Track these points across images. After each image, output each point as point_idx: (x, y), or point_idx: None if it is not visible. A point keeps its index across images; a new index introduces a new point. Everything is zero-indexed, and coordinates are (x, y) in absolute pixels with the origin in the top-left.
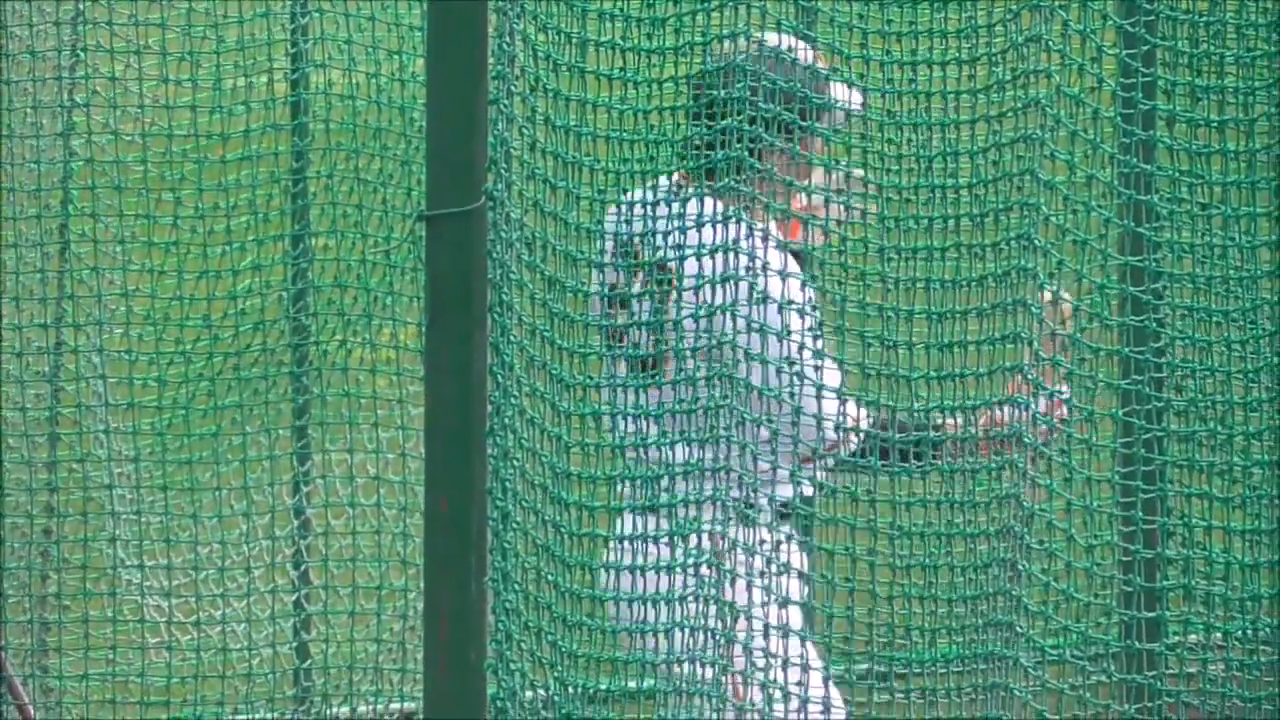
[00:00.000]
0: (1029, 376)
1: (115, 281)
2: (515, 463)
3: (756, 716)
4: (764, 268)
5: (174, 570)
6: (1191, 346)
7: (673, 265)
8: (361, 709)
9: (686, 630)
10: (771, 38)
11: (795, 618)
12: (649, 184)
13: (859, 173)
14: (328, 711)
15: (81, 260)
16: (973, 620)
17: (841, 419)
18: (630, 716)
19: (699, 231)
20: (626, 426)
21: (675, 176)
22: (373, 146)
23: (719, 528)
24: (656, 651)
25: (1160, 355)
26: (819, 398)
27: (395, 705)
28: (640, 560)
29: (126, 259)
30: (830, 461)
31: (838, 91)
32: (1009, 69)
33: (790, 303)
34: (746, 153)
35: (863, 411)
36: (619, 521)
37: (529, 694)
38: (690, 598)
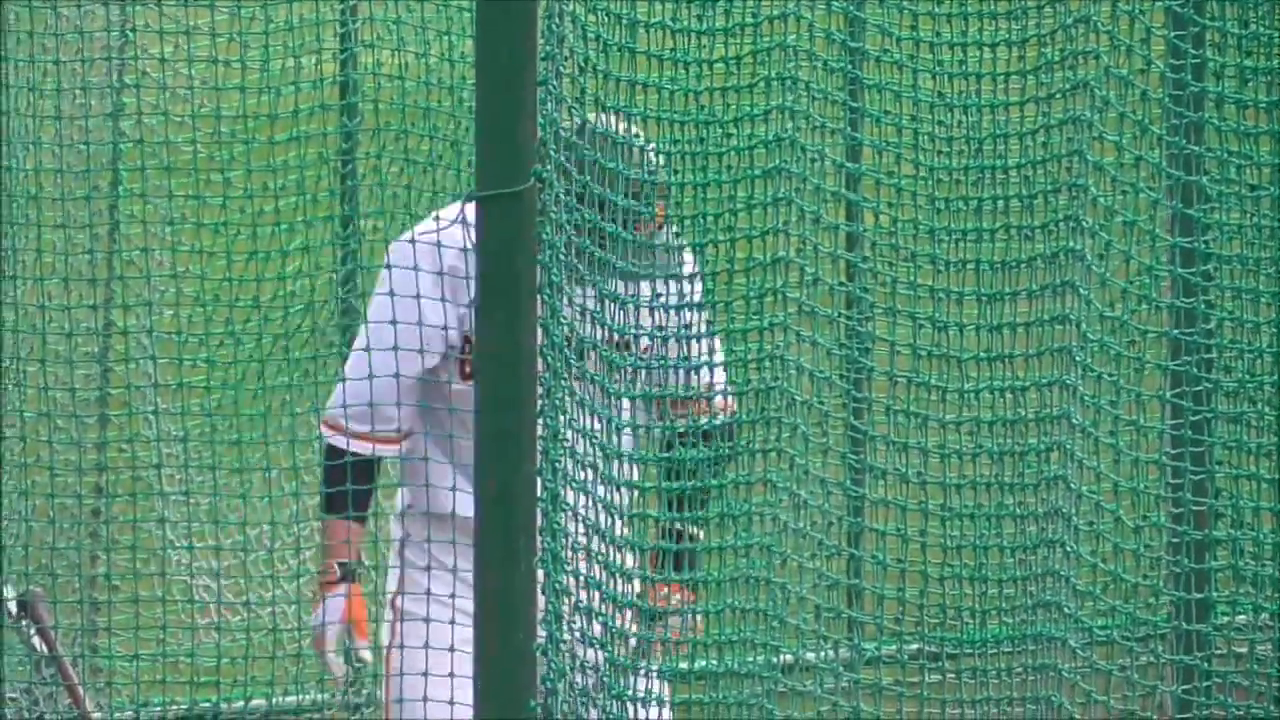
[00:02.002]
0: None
1: (164, 263)
2: (565, 444)
3: None
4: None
5: (223, 551)
6: (1240, 328)
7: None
8: None
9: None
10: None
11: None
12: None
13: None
14: (378, 693)
15: (131, 241)
16: (1022, 601)
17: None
18: (682, 697)
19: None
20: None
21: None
22: (422, 127)
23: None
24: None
25: (1209, 337)
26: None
27: None
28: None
29: (176, 240)
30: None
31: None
32: (1058, 50)
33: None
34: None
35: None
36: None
37: (578, 675)
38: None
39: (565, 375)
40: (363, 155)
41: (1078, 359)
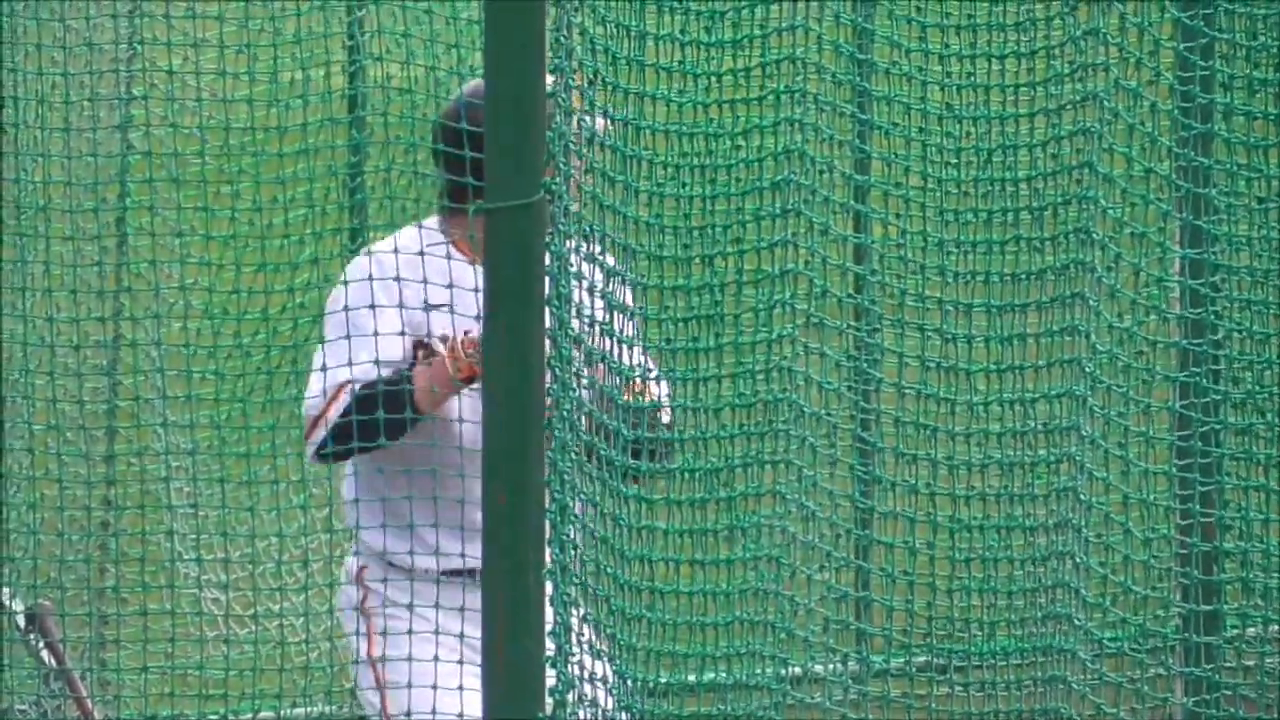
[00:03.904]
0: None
1: (173, 275)
2: (573, 456)
3: None
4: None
5: (232, 564)
6: (1249, 339)
7: None
8: None
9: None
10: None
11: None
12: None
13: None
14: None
15: (139, 254)
16: (1031, 613)
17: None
18: (690, 710)
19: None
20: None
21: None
22: (431, 140)
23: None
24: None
25: (1217, 348)
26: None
27: None
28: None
29: (184, 252)
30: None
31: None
32: (1067, 62)
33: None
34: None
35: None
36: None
37: (586, 687)
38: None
39: (573, 387)
40: (371, 168)
41: (1087, 370)
